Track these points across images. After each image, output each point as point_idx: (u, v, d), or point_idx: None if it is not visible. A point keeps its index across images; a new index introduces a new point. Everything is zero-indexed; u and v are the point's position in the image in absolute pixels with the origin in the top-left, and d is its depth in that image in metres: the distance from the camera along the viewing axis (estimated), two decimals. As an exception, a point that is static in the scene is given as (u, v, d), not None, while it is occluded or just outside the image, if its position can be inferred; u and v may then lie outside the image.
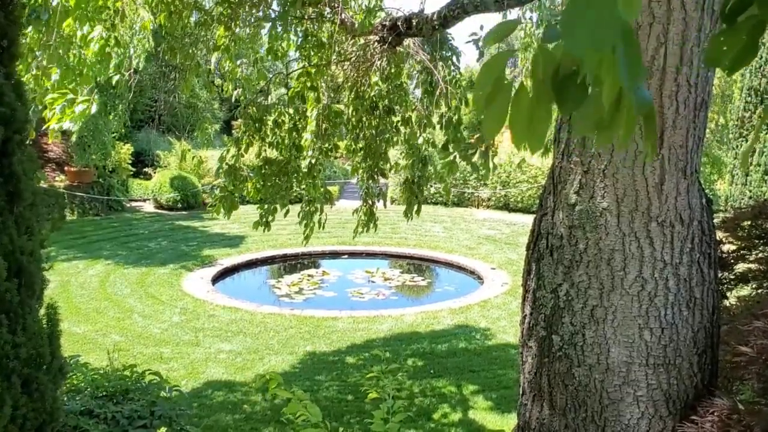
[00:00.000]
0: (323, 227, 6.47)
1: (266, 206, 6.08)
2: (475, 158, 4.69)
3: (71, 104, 4.58)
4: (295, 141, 5.96)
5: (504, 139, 16.17)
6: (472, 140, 4.71)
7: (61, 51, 4.77)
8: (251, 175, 6.01)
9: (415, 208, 6.25)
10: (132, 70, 5.47)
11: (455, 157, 4.76)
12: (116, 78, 5.28)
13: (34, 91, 4.88)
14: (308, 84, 5.76)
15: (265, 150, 6.02)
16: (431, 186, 16.30)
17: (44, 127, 4.87)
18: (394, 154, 6.86)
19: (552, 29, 1.17)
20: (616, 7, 1.01)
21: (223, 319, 9.30)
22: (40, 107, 4.86)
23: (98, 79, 5.29)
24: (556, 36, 1.14)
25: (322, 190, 6.21)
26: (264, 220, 6.15)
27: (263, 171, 5.84)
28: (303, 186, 6.22)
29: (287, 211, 6.23)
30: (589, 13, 1.01)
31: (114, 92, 14.45)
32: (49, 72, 4.87)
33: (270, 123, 5.88)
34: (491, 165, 4.62)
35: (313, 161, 6.00)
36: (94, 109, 4.63)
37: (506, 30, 1.27)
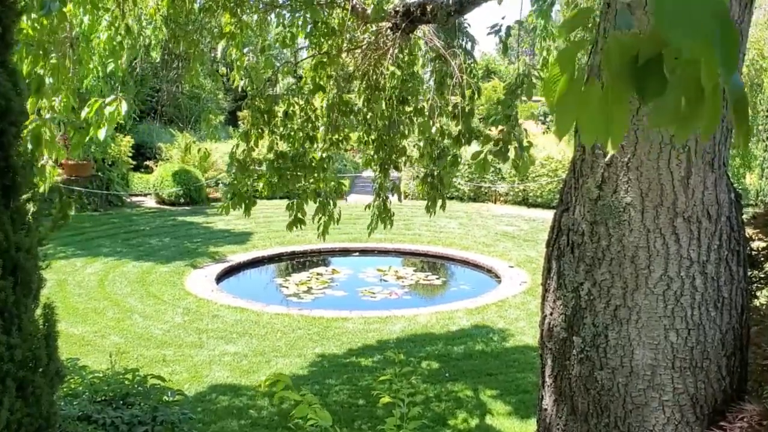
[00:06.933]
0: (338, 222, 6.30)
1: (294, 202, 5.83)
2: (510, 153, 4.59)
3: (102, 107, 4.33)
4: (308, 132, 5.80)
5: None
6: (498, 134, 4.57)
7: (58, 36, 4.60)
8: (263, 169, 5.82)
9: (439, 203, 6.00)
10: (140, 60, 5.36)
11: (486, 154, 4.62)
12: (134, 71, 5.14)
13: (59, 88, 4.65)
14: (327, 74, 5.59)
15: (277, 143, 5.85)
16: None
17: (89, 137, 4.61)
18: (408, 146, 6.67)
19: (624, 16, 1.24)
20: None
21: (227, 320, 9.15)
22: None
23: (111, 69, 5.13)
24: (628, 24, 1.16)
25: (333, 184, 6.04)
26: (296, 217, 5.85)
27: (276, 165, 5.66)
28: (312, 180, 6.05)
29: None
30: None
31: (116, 84, 14.34)
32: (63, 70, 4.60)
33: (279, 114, 5.72)
34: (527, 157, 4.49)
35: (324, 154, 5.84)
36: (124, 108, 4.40)
37: (582, 18, 1.28)
